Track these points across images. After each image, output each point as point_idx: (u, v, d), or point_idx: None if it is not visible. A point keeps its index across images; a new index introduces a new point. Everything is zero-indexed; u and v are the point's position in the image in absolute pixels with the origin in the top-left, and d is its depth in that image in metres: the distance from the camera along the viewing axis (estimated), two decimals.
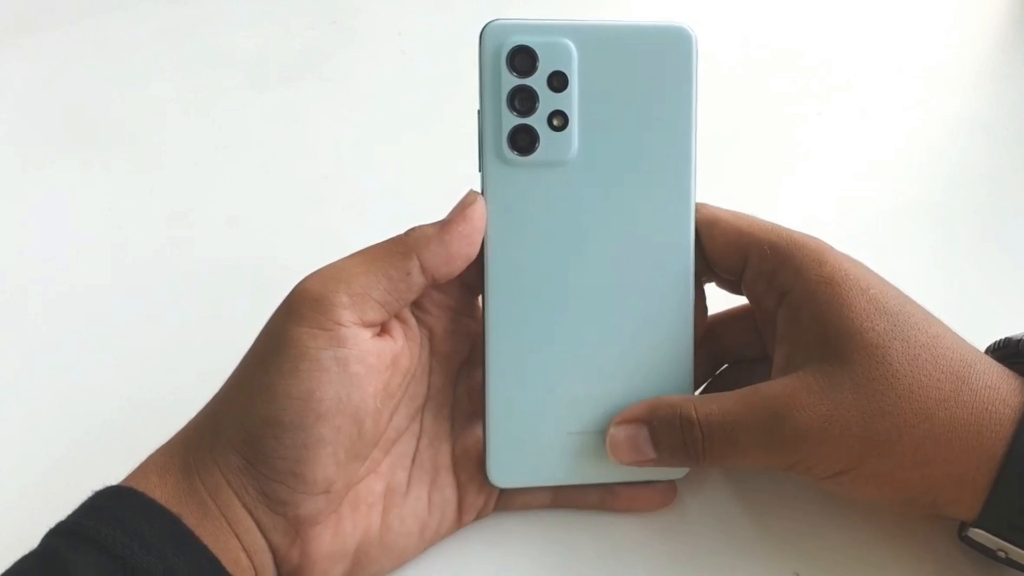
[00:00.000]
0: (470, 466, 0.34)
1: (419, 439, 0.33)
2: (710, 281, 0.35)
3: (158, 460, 0.29)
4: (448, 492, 0.33)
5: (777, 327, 0.32)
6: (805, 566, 0.33)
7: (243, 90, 0.62)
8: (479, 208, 0.31)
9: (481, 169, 0.31)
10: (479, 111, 0.31)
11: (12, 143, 0.58)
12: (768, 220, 0.33)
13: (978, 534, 0.30)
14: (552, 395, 0.32)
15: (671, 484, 0.35)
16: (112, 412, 0.40)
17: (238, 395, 0.30)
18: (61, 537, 0.27)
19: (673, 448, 0.31)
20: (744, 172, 0.53)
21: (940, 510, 0.30)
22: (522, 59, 0.30)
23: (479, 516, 0.34)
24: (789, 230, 0.33)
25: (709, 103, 0.58)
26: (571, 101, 0.31)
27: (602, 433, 0.33)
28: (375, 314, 0.30)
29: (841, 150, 0.54)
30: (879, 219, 0.50)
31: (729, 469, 0.36)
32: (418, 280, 0.30)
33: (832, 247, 0.32)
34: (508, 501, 0.34)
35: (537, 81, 0.31)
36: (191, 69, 0.64)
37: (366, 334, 0.30)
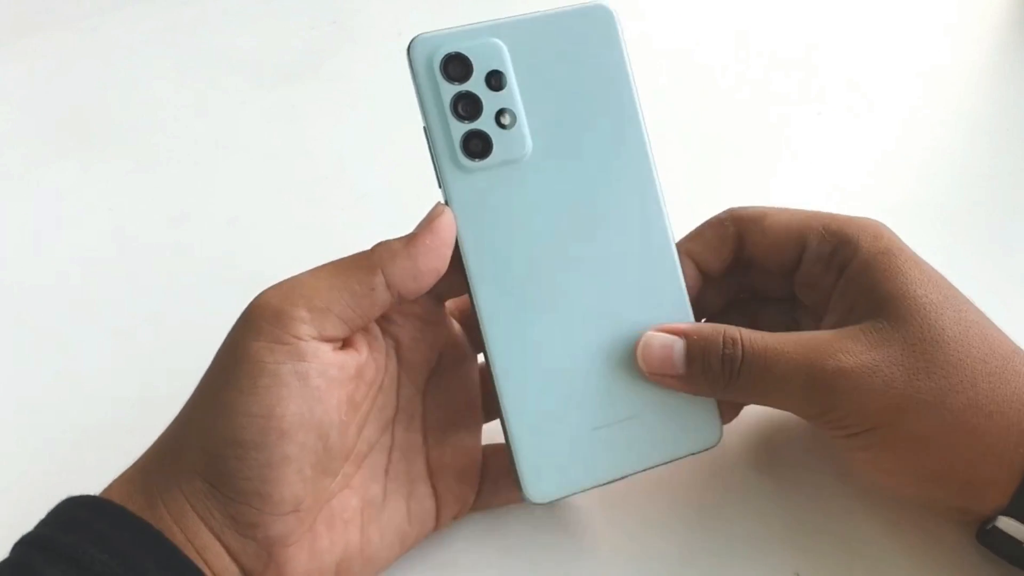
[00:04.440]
0: (447, 476, 0.33)
1: (391, 451, 0.32)
2: (746, 279, 0.36)
3: (119, 489, 0.28)
4: (427, 503, 0.33)
5: (831, 302, 0.32)
6: (805, 566, 0.33)
7: (243, 90, 0.62)
8: (446, 220, 0.30)
9: (441, 183, 0.31)
10: (424, 128, 0.31)
11: (12, 143, 0.58)
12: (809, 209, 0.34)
13: (1007, 524, 0.29)
14: (569, 395, 0.32)
15: None
16: (112, 412, 0.40)
17: (197, 415, 0.29)
18: (35, 551, 0.26)
19: (706, 365, 0.31)
20: (744, 172, 0.53)
21: (969, 498, 0.30)
22: (455, 66, 0.30)
23: (456, 517, 0.34)
24: (837, 213, 0.33)
25: (709, 104, 0.58)
26: (513, 97, 0.31)
27: (627, 420, 0.32)
28: (336, 329, 0.29)
29: (841, 150, 0.54)
30: (879, 219, 0.49)
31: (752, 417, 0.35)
32: (383, 296, 0.29)
33: (884, 224, 0.33)
34: (486, 501, 0.34)
35: (476, 84, 0.30)
36: (191, 69, 0.64)
37: (326, 347, 0.29)
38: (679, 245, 0.34)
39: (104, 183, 0.54)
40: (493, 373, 0.31)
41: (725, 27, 0.66)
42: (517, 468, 0.31)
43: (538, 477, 0.32)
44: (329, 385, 0.28)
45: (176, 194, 0.53)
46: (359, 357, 0.30)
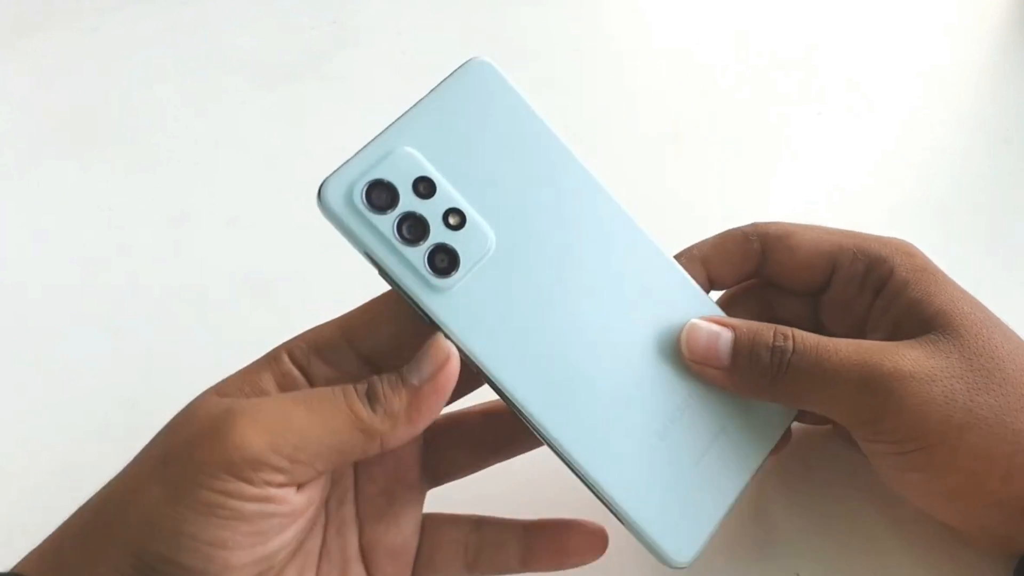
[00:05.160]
0: (379, 554, 0.31)
1: (326, 530, 0.30)
2: (762, 300, 0.34)
3: (31, 566, 0.26)
4: None
5: (869, 322, 0.32)
6: (805, 566, 0.33)
7: (243, 90, 0.62)
8: (451, 371, 0.27)
9: (425, 314, 0.28)
10: (380, 272, 0.28)
11: (12, 143, 0.58)
12: (833, 227, 0.33)
13: None
14: (656, 446, 0.30)
15: (600, 534, 0.32)
16: (112, 412, 0.40)
17: (135, 510, 0.25)
18: None
19: (754, 357, 0.29)
20: (744, 172, 0.53)
21: (1017, 527, 0.28)
22: (378, 194, 0.28)
23: None
24: (862, 233, 0.33)
25: (709, 104, 0.58)
26: (451, 195, 0.28)
27: (717, 438, 0.31)
28: (311, 478, 0.26)
29: (841, 150, 0.54)
30: (879, 219, 0.49)
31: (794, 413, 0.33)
32: (373, 454, 0.27)
33: (912, 244, 0.32)
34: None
35: (408, 202, 0.28)
36: (191, 69, 0.64)
37: (293, 491, 0.26)
38: (693, 250, 0.33)
39: (104, 183, 0.54)
40: (573, 461, 0.29)
41: (725, 27, 0.65)
42: (648, 541, 0.30)
43: (675, 538, 0.30)
44: (286, 523, 0.26)
45: (176, 194, 0.53)
46: (316, 493, 0.28)
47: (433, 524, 0.32)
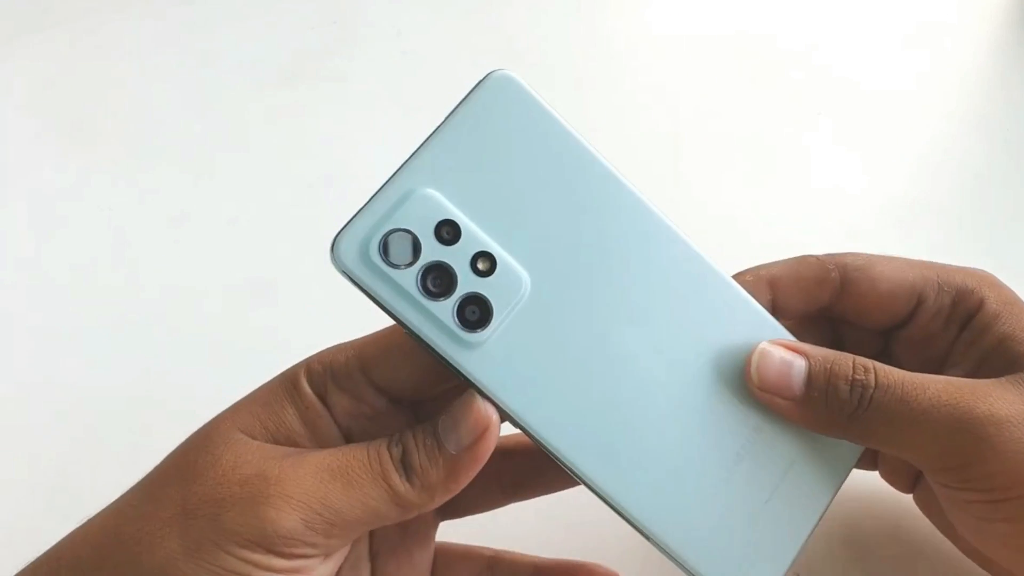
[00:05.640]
0: None
1: (341, 566, 0.29)
2: (831, 333, 0.32)
3: None
4: None
5: (952, 355, 0.30)
6: (805, 566, 0.33)
7: (243, 90, 0.62)
8: (492, 438, 0.25)
9: (460, 372, 0.26)
10: (407, 331, 0.26)
11: (12, 143, 0.58)
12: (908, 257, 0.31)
13: None
14: (722, 488, 0.28)
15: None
16: (112, 412, 0.40)
17: (147, 562, 0.24)
18: None
19: (831, 390, 0.27)
20: (744, 172, 0.53)
21: None
22: (396, 246, 0.25)
23: None
24: (943, 264, 0.31)
25: (709, 104, 0.58)
26: (477, 236, 0.26)
27: (787, 472, 0.28)
28: (341, 548, 0.26)
29: (841, 150, 0.54)
30: (879, 219, 0.50)
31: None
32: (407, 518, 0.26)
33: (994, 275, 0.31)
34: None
35: (431, 251, 0.25)
36: (191, 69, 0.64)
37: (320, 560, 0.25)
38: (760, 270, 0.31)
39: (104, 183, 0.54)
40: (632, 518, 0.27)
41: (725, 26, 0.65)
42: None
43: None
44: None
45: (176, 194, 0.53)
46: (344, 552, 0.27)
47: (446, 560, 0.31)
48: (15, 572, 0.26)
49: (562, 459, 0.26)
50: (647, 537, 0.27)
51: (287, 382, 0.27)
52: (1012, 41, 0.64)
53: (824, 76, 0.60)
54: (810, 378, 0.27)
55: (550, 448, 0.26)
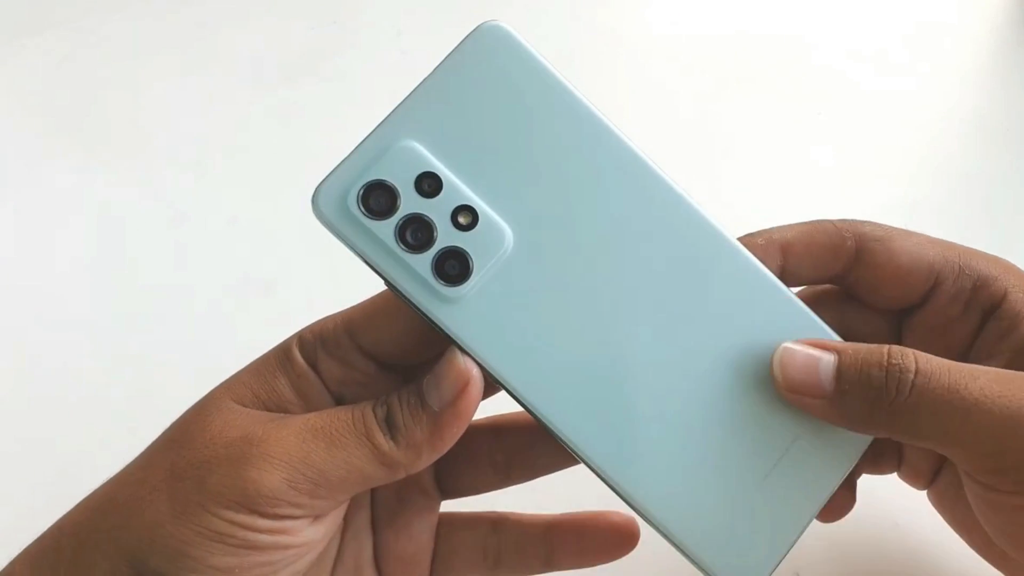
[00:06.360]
0: (392, 561, 0.30)
1: (343, 536, 0.29)
2: (836, 311, 0.30)
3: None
4: None
5: (980, 346, 0.28)
6: (805, 566, 0.33)
7: (243, 90, 0.62)
8: (473, 395, 0.25)
9: (439, 326, 0.25)
10: (386, 283, 0.25)
11: (12, 143, 0.58)
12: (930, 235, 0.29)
13: None
14: (718, 462, 0.26)
15: (629, 527, 0.29)
16: (112, 412, 0.40)
17: (136, 522, 0.24)
18: None
19: (865, 380, 0.25)
20: (744, 174, 0.53)
21: None
22: (376, 197, 0.25)
23: None
24: (965, 246, 0.29)
25: (708, 103, 0.58)
26: (459, 190, 0.25)
27: (792, 445, 0.27)
28: (331, 509, 0.26)
29: (841, 150, 0.54)
30: (879, 219, 0.49)
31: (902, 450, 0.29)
32: (396, 479, 0.26)
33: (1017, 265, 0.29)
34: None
35: (411, 203, 0.25)
36: (191, 69, 0.64)
37: (308, 522, 0.25)
38: (773, 233, 0.29)
39: (104, 183, 0.54)
40: (624, 492, 0.26)
41: (725, 26, 0.65)
42: (705, 568, 0.26)
43: (731, 565, 0.26)
44: (300, 553, 0.25)
45: (176, 194, 0.53)
46: (334, 524, 0.27)
47: (449, 528, 0.31)
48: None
49: (542, 418, 0.26)
50: (633, 507, 0.27)
51: (280, 353, 0.27)
52: (1012, 41, 0.64)
53: (824, 76, 0.60)
54: (839, 371, 0.25)
55: (530, 405, 0.26)
